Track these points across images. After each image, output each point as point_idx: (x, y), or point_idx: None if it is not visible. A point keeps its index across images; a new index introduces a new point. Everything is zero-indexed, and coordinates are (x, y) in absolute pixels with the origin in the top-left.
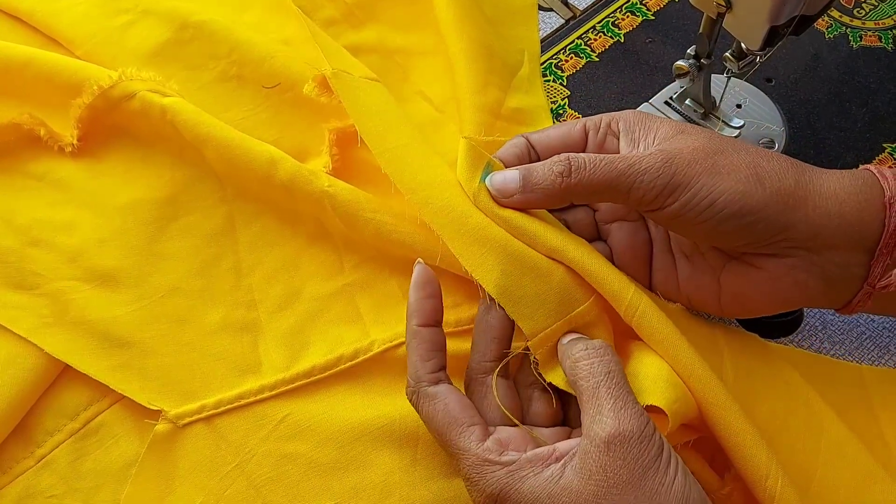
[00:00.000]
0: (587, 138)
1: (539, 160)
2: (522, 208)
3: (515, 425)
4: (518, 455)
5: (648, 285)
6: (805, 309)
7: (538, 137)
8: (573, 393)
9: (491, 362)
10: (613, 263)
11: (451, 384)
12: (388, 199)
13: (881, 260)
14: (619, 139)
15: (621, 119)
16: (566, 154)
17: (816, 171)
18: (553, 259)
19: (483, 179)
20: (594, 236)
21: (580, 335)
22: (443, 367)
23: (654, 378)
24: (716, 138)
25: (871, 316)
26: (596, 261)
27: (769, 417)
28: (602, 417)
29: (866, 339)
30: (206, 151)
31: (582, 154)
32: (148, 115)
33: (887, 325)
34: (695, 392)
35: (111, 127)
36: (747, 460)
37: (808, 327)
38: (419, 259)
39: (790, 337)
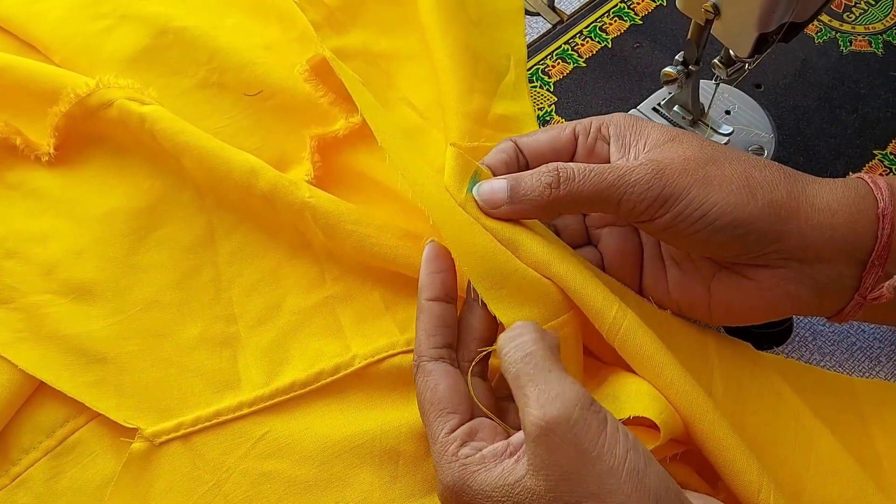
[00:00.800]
0: (577, 143)
1: (528, 165)
2: (511, 219)
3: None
4: (476, 451)
5: (638, 290)
6: (795, 319)
7: (527, 142)
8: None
9: (466, 362)
10: (603, 269)
11: (454, 365)
12: (371, 208)
13: (873, 272)
14: (609, 144)
15: (612, 123)
16: (555, 164)
17: (809, 180)
18: (537, 271)
19: (470, 189)
20: (584, 241)
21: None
22: (448, 345)
23: (636, 392)
24: (707, 146)
25: (862, 326)
26: (580, 276)
27: (759, 430)
28: (528, 409)
29: (857, 350)
30: (185, 161)
31: (571, 164)
32: (126, 123)
33: (878, 336)
34: (681, 408)
35: (88, 135)
36: (738, 475)
37: (798, 338)
38: (432, 238)
39: (781, 348)
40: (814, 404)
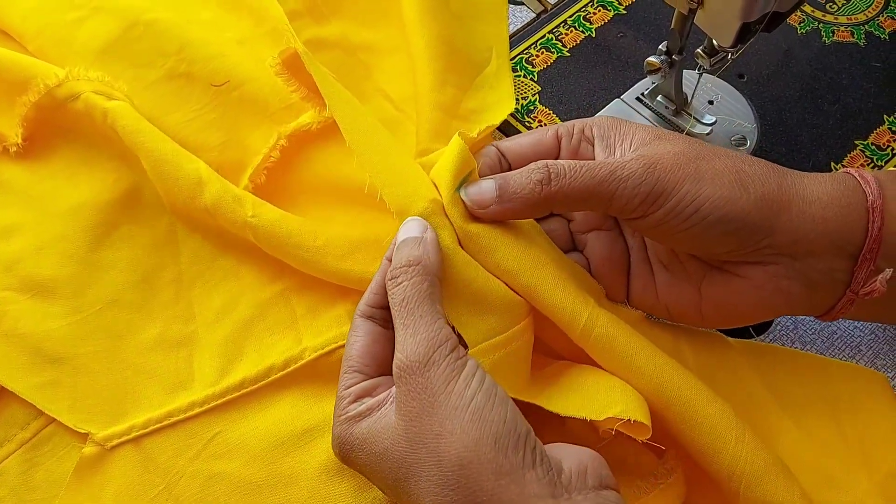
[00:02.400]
0: (560, 145)
1: (511, 169)
2: (500, 219)
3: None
4: (362, 404)
5: (626, 296)
6: None
7: (509, 146)
8: None
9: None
10: (591, 273)
11: (386, 328)
12: (325, 213)
13: (864, 265)
14: (593, 145)
15: (595, 125)
16: (544, 161)
17: (798, 174)
18: (506, 280)
19: (457, 190)
20: (569, 247)
21: (411, 235)
22: (386, 306)
23: (607, 388)
24: (695, 143)
25: None
26: (551, 284)
27: None
28: (396, 352)
29: (837, 338)
30: (142, 161)
31: (561, 161)
32: (92, 117)
33: (858, 325)
34: (667, 397)
35: (57, 127)
36: (718, 454)
37: (779, 327)
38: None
39: (761, 337)
40: (783, 392)
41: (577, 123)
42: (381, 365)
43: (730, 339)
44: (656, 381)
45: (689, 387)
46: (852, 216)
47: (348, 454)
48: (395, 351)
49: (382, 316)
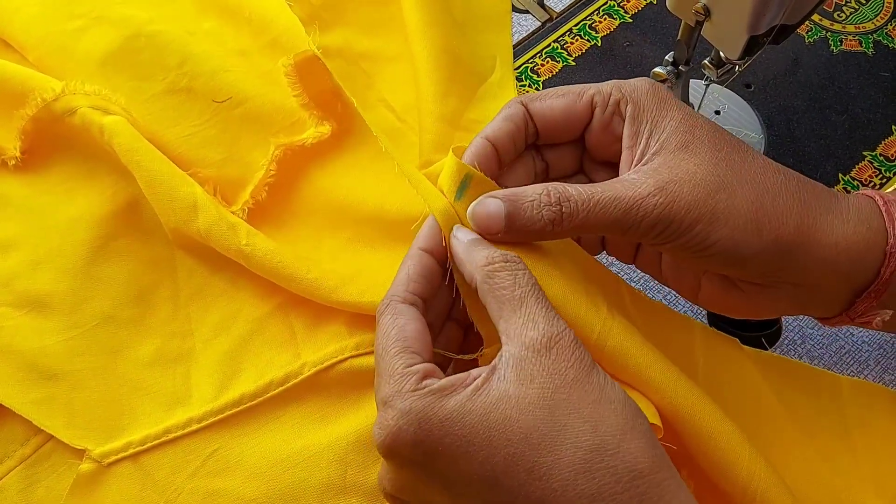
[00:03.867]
0: (593, 114)
1: (537, 133)
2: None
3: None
4: (437, 382)
5: (633, 259)
6: (785, 322)
7: (539, 108)
8: (475, 304)
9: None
10: (602, 246)
11: (426, 317)
12: (319, 234)
13: (867, 301)
14: (623, 124)
15: (631, 100)
16: (556, 192)
17: (824, 208)
18: None
19: (458, 196)
20: None
21: (477, 235)
22: (423, 298)
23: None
24: (722, 162)
25: (851, 330)
26: (560, 299)
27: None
28: (535, 324)
29: (846, 353)
30: (137, 180)
31: (573, 192)
32: (89, 132)
33: (867, 339)
34: (680, 411)
35: (55, 141)
36: (733, 469)
37: (787, 341)
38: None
39: (769, 351)
40: (795, 405)
41: (615, 92)
42: (429, 353)
43: (743, 346)
44: (670, 395)
45: (702, 403)
46: (868, 259)
47: (430, 431)
48: (533, 323)
49: (422, 306)
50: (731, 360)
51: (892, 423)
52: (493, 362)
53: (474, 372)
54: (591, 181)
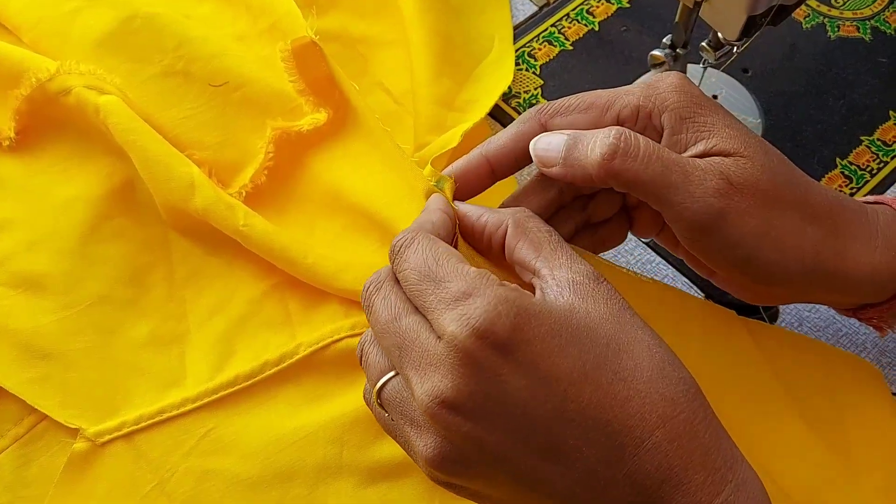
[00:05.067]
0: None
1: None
2: (566, 181)
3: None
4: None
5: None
6: (781, 305)
7: (560, 125)
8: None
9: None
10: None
11: None
12: (314, 221)
13: (871, 315)
14: (661, 135)
15: (666, 111)
16: (620, 129)
17: (851, 234)
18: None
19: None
20: None
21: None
22: (450, 238)
23: None
24: (778, 176)
25: None
26: None
27: (732, 410)
28: (580, 261)
29: (843, 336)
30: (133, 160)
31: (640, 137)
32: (84, 111)
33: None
34: None
35: (50, 121)
36: None
37: (784, 324)
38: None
39: None
40: (788, 379)
41: (644, 102)
42: None
43: (739, 316)
44: None
45: None
46: (882, 280)
47: (528, 320)
48: (574, 262)
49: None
50: (728, 334)
51: (879, 399)
52: (534, 287)
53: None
54: (632, 219)
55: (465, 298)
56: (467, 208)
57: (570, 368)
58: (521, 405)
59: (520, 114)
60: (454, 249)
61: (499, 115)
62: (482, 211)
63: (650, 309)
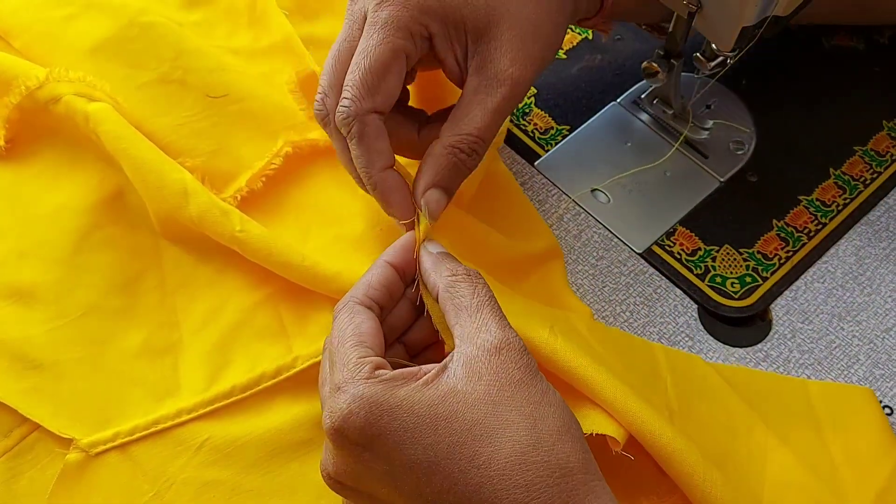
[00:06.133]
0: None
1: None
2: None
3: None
4: (389, 373)
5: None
6: (774, 319)
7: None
8: (438, 312)
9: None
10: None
11: (382, 320)
12: (298, 237)
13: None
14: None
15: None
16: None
17: None
18: None
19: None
20: None
21: (445, 251)
22: (382, 306)
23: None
24: None
25: (841, 325)
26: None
27: (713, 446)
28: (489, 329)
29: (836, 347)
30: (124, 168)
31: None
32: (73, 120)
33: (857, 334)
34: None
35: (41, 129)
36: (691, 477)
37: (776, 335)
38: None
39: (759, 345)
40: (766, 415)
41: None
42: (382, 349)
43: (704, 361)
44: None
45: (652, 418)
46: None
47: (380, 416)
48: (487, 328)
49: (379, 311)
50: (698, 375)
51: (866, 420)
52: (444, 361)
53: (426, 367)
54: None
55: (336, 392)
56: (424, 260)
57: (422, 459)
58: (387, 483)
59: (514, 123)
60: (365, 325)
61: None
62: (428, 267)
63: (617, 355)
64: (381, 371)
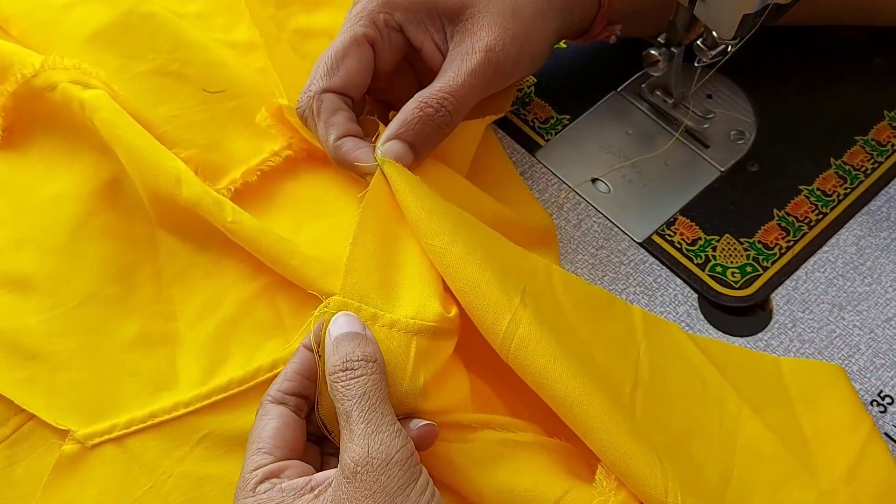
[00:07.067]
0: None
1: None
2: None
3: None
4: (273, 486)
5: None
6: (775, 308)
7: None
8: (327, 405)
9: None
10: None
11: (298, 415)
12: (289, 229)
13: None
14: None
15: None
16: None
17: None
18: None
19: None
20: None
21: (356, 330)
22: (298, 394)
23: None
24: None
25: (842, 314)
26: (478, 275)
27: (684, 416)
28: (352, 445)
29: (836, 336)
30: (119, 155)
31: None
32: (69, 107)
33: (857, 324)
34: (577, 421)
35: (37, 117)
36: (643, 481)
37: (777, 325)
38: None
39: (759, 335)
40: (741, 386)
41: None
42: (291, 448)
43: (681, 330)
44: (572, 393)
45: (600, 401)
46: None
47: None
48: (349, 443)
49: (295, 403)
50: (674, 342)
51: (837, 396)
52: (334, 475)
53: (317, 477)
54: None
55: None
56: (326, 342)
57: None
58: None
59: (514, 112)
60: (270, 427)
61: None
62: (328, 351)
63: (589, 317)
64: (262, 487)
